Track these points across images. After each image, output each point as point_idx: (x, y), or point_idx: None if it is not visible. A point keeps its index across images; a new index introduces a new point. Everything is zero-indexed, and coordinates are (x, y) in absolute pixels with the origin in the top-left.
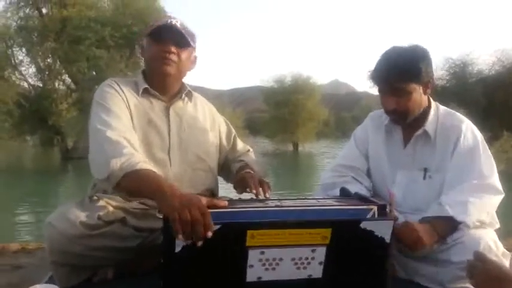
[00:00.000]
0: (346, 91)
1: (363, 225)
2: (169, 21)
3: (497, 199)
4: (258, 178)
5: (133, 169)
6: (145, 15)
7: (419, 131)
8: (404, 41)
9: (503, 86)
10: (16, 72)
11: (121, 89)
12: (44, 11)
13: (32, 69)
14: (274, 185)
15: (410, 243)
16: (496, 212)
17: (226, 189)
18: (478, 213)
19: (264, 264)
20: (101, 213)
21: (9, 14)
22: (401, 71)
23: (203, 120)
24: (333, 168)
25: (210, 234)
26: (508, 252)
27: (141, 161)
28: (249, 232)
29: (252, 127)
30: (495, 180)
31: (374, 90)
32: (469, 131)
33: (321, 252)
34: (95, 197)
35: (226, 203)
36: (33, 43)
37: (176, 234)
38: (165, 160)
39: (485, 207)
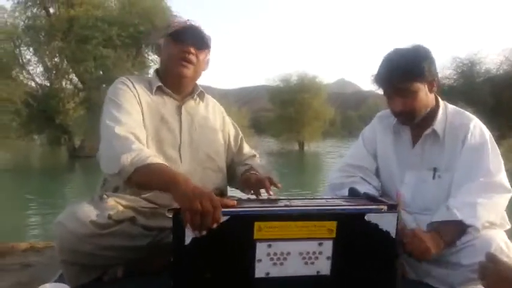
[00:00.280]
0: (352, 90)
1: (367, 217)
2: (188, 22)
3: (505, 198)
4: (265, 176)
5: (144, 163)
6: (151, 14)
7: (428, 131)
8: (410, 40)
9: (511, 85)
10: (24, 71)
11: (134, 86)
12: (51, 10)
13: (40, 69)
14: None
15: (418, 254)
16: (506, 212)
17: (235, 190)
18: (488, 214)
19: (272, 259)
20: (111, 212)
21: (17, 14)
22: (404, 71)
23: (213, 121)
24: (340, 168)
25: (215, 225)
26: None
27: (151, 155)
28: (256, 224)
29: (257, 126)
30: (503, 178)
31: (380, 89)
32: (477, 128)
33: (328, 247)
34: (105, 196)
35: (235, 202)
36: (40, 42)
37: (185, 223)
38: (175, 157)
39: (495, 208)
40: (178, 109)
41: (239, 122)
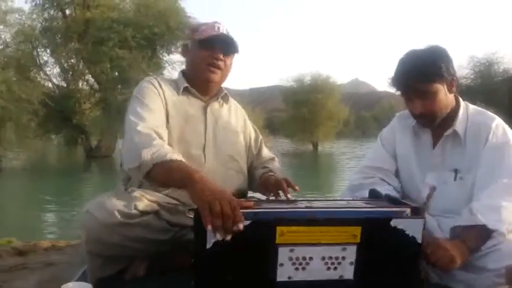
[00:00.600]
0: (366, 90)
1: (393, 223)
2: (217, 27)
3: None
4: (282, 178)
5: (164, 159)
6: (166, 16)
7: (449, 131)
8: (425, 39)
9: None
10: (41, 72)
11: (160, 86)
12: (67, 12)
13: (56, 70)
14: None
15: (443, 265)
16: None
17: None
18: None
19: (294, 264)
20: (137, 203)
21: (34, 16)
22: (422, 72)
23: (236, 123)
24: (359, 170)
25: (241, 226)
26: None
27: (171, 151)
28: (279, 229)
29: (271, 126)
30: None
31: (397, 91)
32: (500, 128)
33: (351, 252)
34: (130, 190)
35: (252, 203)
36: (57, 44)
37: (205, 225)
38: (200, 157)
39: None
40: (204, 110)
41: (254, 122)
